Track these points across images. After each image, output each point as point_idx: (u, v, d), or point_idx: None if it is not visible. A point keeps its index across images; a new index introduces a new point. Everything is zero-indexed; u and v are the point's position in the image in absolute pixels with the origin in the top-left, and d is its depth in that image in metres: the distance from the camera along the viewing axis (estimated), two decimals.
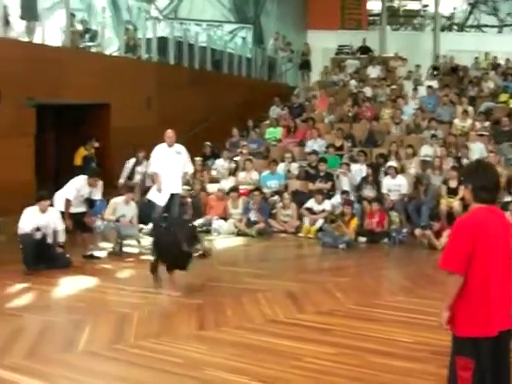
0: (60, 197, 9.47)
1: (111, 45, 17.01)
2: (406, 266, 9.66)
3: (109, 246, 10.20)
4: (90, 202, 9.74)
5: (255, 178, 13.50)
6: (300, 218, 12.15)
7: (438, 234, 10.40)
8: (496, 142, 13.67)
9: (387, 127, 15.49)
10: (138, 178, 12.97)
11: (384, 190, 12.21)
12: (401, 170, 12.74)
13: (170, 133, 11.14)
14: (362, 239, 11.28)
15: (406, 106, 16.47)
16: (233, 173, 13.89)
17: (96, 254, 9.85)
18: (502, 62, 20.08)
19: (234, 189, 12.71)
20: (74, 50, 14.23)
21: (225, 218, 12.37)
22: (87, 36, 15.18)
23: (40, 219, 8.79)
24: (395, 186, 12.13)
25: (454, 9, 29.28)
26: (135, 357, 5.43)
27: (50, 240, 8.92)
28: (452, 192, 11.57)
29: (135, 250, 10.32)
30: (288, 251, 11.05)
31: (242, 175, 13.68)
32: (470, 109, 15.54)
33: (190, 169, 11.74)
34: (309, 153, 13.99)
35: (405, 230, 11.31)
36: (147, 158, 12.03)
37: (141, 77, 15.30)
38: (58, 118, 14.58)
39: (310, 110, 17.54)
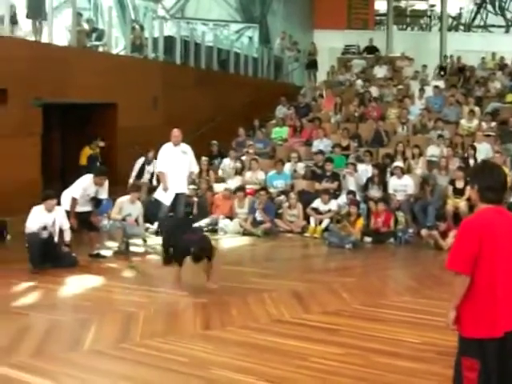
0: (67, 196, 9.49)
1: (118, 44, 17.04)
2: (412, 266, 9.65)
3: (115, 245, 10.23)
4: (96, 201, 9.75)
5: (261, 177, 13.50)
6: (306, 217, 12.14)
7: (444, 235, 10.37)
8: (502, 143, 13.64)
9: (393, 127, 15.47)
10: (146, 177, 13.03)
11: (390, 190, 12.19)
12: (407, 170, 12.72)
13: (176, 132, 11.15)
14: (368, 239, 11.26)
15: (412, 106, 16.45)
16: (239, 172, 13.87)
17: (102, 253, 9.87)
18: (508, 62, 20.03)
19: (240, 188, 12.71)
20: (81, 50, 14.23)
21: (231, 218, 12.37)
22: (94, 35, 15.18)
23: (46, 218, 8.81)
24: (401, 186, 12.11)
25: (461, 9, 29.20)
26: (141, 356, 5.43)
27: (56, 239, 8.93)
28: (458, 192, 11.56)
29: (141, 249, 10.35)
30: (294, 251, 11.04)
31: (248, 175, 13.69)
32: (477, 109, 15.51)
33: (196, 168, 11.76)
34: (315, 153, 13.98)
35: (411, 231, 11.30)
36: (156, 157, 12.06)
37: (147, 76, 15.31)
38: (64, 118, 14.60)
39: (316, 110, 17.53)
